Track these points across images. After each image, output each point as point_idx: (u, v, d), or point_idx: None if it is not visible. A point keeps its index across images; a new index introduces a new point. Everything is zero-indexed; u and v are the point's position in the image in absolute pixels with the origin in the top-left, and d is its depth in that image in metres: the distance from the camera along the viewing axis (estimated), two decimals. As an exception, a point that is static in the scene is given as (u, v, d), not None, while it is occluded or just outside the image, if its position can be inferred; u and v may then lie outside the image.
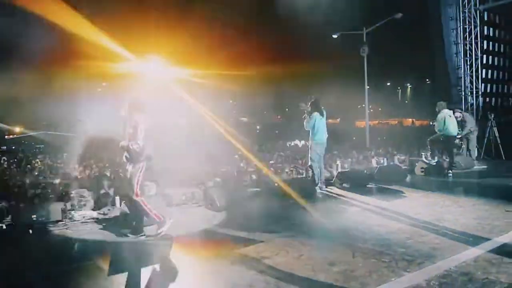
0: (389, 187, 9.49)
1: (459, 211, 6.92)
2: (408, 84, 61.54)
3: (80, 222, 6.60)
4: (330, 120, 10.00)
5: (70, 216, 6.70)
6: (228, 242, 5.64)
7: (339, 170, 10.23)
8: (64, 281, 4.40)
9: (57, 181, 9.36)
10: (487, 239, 5.33)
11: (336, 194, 8.88)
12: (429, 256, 4.76)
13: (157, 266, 4.70)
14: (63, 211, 6.60)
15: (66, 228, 6.32)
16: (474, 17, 15.09)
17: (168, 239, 5.46)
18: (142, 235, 5.71)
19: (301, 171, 10.09)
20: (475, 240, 5.32)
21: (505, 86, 16.36)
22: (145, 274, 4.47)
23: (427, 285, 3.97)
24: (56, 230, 6.26)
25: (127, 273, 4.43)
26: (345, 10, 21.25)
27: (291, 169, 10.34)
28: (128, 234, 5.76)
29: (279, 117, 56.85)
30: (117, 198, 7.22)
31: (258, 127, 37.92)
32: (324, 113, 9.42)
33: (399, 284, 4.01)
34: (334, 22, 20.87)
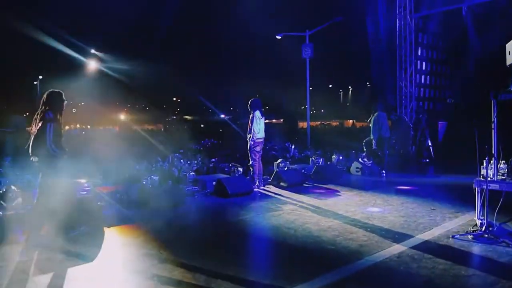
0: (325, 186, 9.71)
1: (388, 209, 7.20)
2: (350, 87, 63.50)
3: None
4: (274, 120, 10.09)
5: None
6: (152, 242, 5.55)
7: (278, 169, 10.36)
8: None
9: None
10: (411, 236, 5.58)
11: (273, 193, 8.97)
12: (356, 252, 4.92)
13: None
14: None
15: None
16: (409, 24, 15.79)
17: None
18: None
19: (241, 169, 10.13)
20: (400, 237, 5.56)
21: (437, 91, 17.29)
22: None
23: (353, 279, 4.10)
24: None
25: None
26: (288, 13, 21.60)
27: (231, 167, 10.34)
28: None
29: (224, 116, 56.93)
30: None
31: (202, 125, 37.71)
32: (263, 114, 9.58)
33: (325, 280, 4.10)
34: (278, 24, 21.09)
